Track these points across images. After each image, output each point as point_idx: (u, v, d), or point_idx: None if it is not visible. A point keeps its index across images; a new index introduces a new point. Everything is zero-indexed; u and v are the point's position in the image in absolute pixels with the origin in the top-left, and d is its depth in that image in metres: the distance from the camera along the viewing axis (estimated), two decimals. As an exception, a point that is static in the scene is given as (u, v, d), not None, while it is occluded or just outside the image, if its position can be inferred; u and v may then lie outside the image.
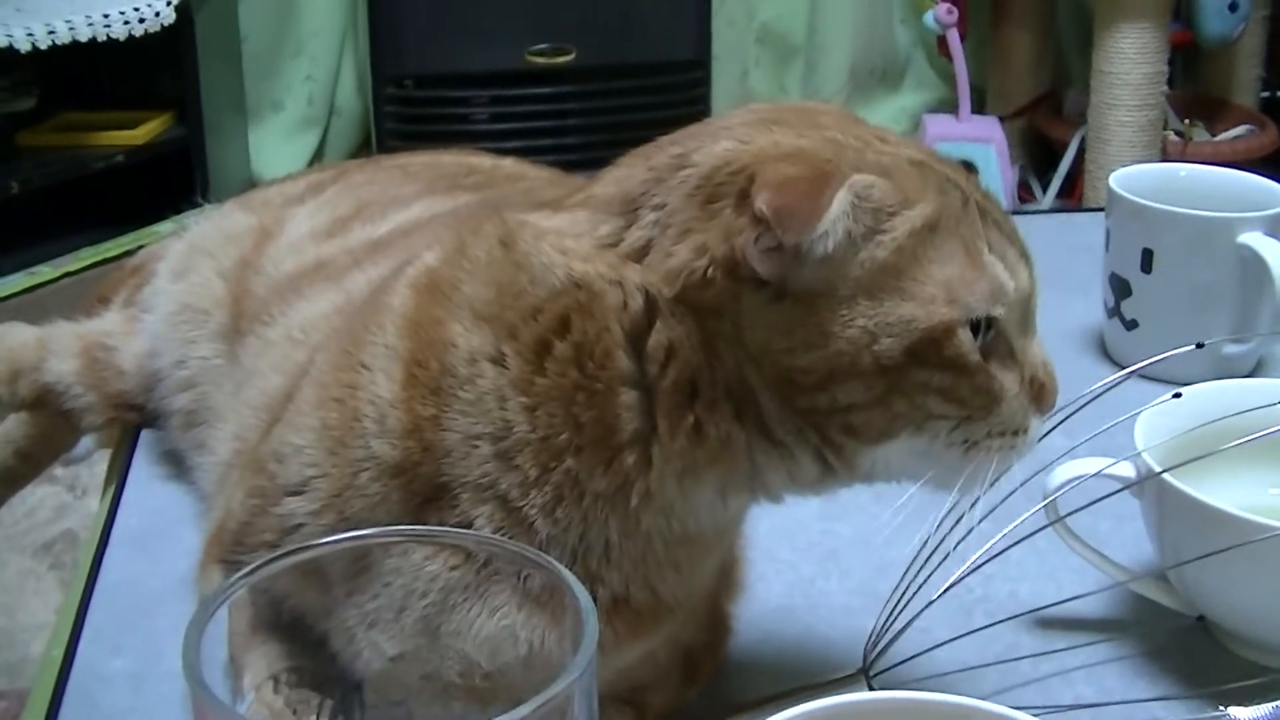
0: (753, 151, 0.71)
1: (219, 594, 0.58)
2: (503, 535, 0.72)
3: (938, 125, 3.64)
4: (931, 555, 0.86)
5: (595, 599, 0.73)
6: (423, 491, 0.74)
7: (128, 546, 1.07)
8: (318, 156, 3.86)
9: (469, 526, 0.73)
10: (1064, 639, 0.92)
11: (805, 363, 0.70)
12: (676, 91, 3.52)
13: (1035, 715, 0.81)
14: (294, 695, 0.72)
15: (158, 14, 3.13)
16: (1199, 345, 1.00)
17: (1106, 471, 0.90)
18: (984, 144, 3.55)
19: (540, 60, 3.42)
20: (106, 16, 3.07)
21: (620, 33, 3.47)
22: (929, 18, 3.57)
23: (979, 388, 0.72)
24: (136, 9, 3.11)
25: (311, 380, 0.81)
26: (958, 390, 0.72)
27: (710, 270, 0.69)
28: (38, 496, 2.60)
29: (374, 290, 0.87)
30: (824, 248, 0.67)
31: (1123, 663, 0.91)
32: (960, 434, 0.73)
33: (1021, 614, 0.93)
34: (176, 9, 3.16)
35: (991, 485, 0.75)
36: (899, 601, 0.86)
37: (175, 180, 3.22)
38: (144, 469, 1.18)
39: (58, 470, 2.56)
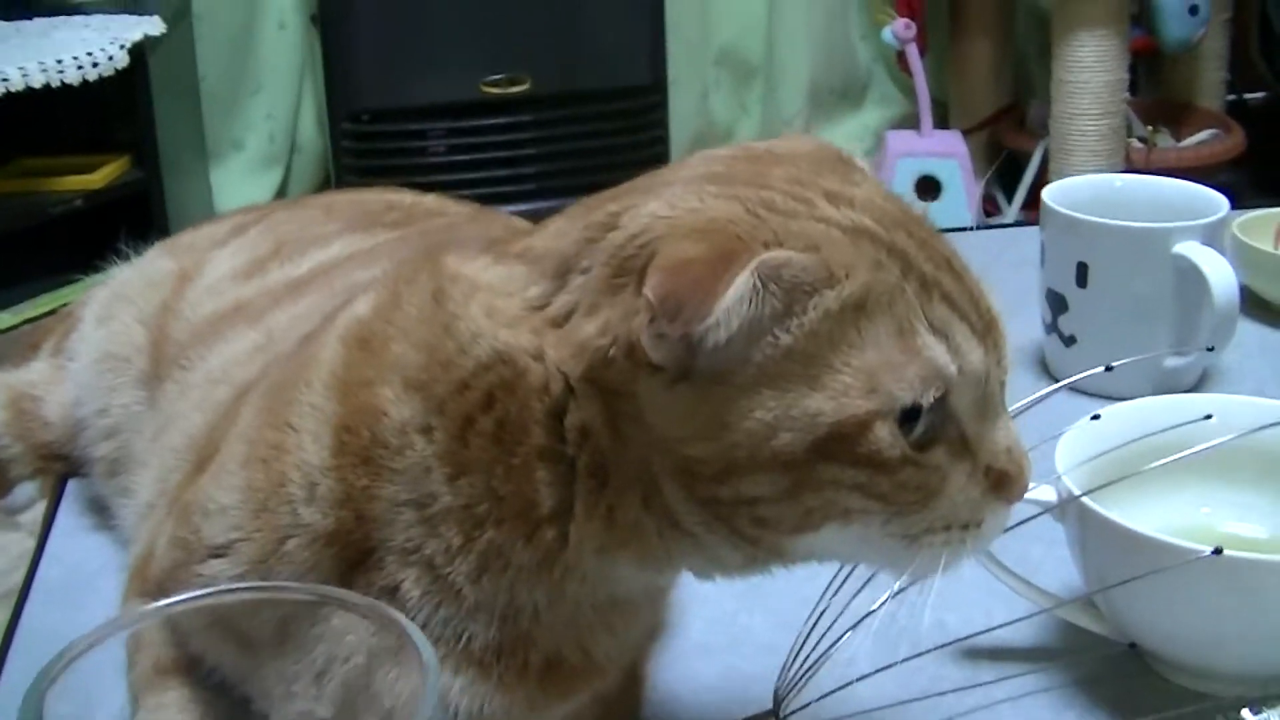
0: (669, 221, 0.66)
1: (65, 654, 0.56)
2: (429, 599, 0.71)
3: (900, 141, 3.62)
4: (843, 585, 0.84)
5: (527, 661, 0.73)
6: (351, 557, 0.72)
7: (48, 597, 1.05)
8: (280, 194, 3.84)
9: (395, 589, 0.71)
10: (992, 670, 0.90)
11: (701, 453, 0.65)
12: (634, 117, 3.51)
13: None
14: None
15: (110, 58, 3.10)
16: (1108, 368, 0.97)
17: (1026, 496, 0.87)
18: (947, 159, 3.54)
19: (495, 90, 3.40)
20: (60, 62, 3.04)
21: (575, 60, 3.45)
22: (887, 33, 3.56)
23: (903, 483, 0.66)
24: (90, 54, 3.09)
25: (238, 434, 0.79)
26: (876, 487, 0.66)
27: (612, 350, 0.65)
28: (-3, 545, 2.58)
29: (303, 339, 0.85)
30: (717, 338, 0.62)
31: (1052, 693, 0.89)
32: (896, 527, 0.68)
33: (947, 644, 0.91)
34: (129, 52, 3.14)
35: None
36: (809, 635, 0.84)
37: (135, 223, 3.19)
38: (69, 519, 1.17)
39: (20, 518, 2.54)
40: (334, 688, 0.70)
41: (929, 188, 3.53)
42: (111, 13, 3.43)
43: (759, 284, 0.62)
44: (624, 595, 0.74)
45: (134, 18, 3.33)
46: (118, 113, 3.30)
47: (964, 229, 1.23)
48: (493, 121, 3.44)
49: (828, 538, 0.68)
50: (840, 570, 0.84)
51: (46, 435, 1.19)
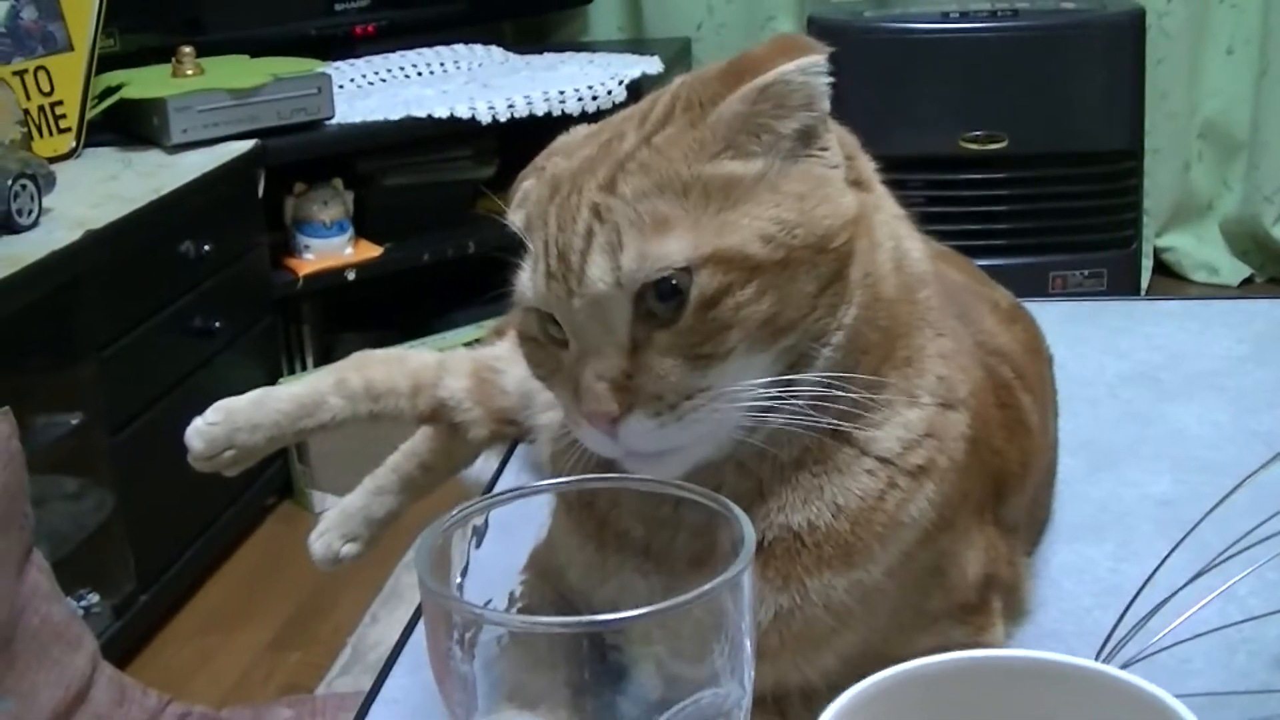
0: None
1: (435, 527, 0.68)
2: None
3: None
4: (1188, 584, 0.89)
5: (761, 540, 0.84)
6: None
7: (492, 533, 1.19)
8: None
9: None
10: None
11: None
12: (1107, 181, 3.52)
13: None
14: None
15: (609, 92, 3.35)
16: None
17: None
18: None
19: (974, 147, 3.48)
20: (562, 94, 3.29)
21: (1052, 122, 3.49)
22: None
23: (531, 356, 0.86)
24: (590, 87, 3.33)
25: None
26: (524, 349, 0.88)
27: None
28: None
29: None
30: None
31: None
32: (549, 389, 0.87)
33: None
34: (628, 87, 3.37)
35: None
36: (1126, 613, 0.89)
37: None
38: (513, 477, 1.31)
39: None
40: None
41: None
42: (615, 51, 3.68)
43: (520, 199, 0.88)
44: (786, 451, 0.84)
45: (635, 57, 3.57)
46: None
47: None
48: (969, 177, 3.52)
49: None
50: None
51: (504, 402, 1.32)
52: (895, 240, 0.88)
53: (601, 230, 0.79)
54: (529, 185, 0.86)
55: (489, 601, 0.73)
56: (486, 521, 0.73)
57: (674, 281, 0.78)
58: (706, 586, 0.61)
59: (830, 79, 0.82)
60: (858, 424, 0.85)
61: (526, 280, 0.82)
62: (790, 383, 0.81)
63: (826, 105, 0.83)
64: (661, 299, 0.78)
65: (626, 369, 0.79)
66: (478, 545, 0.72)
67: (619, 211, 0.79)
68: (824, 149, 0.83)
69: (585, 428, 0.81)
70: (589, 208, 0.80)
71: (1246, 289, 4.04)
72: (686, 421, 0.79)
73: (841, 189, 0.84)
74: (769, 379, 0.80)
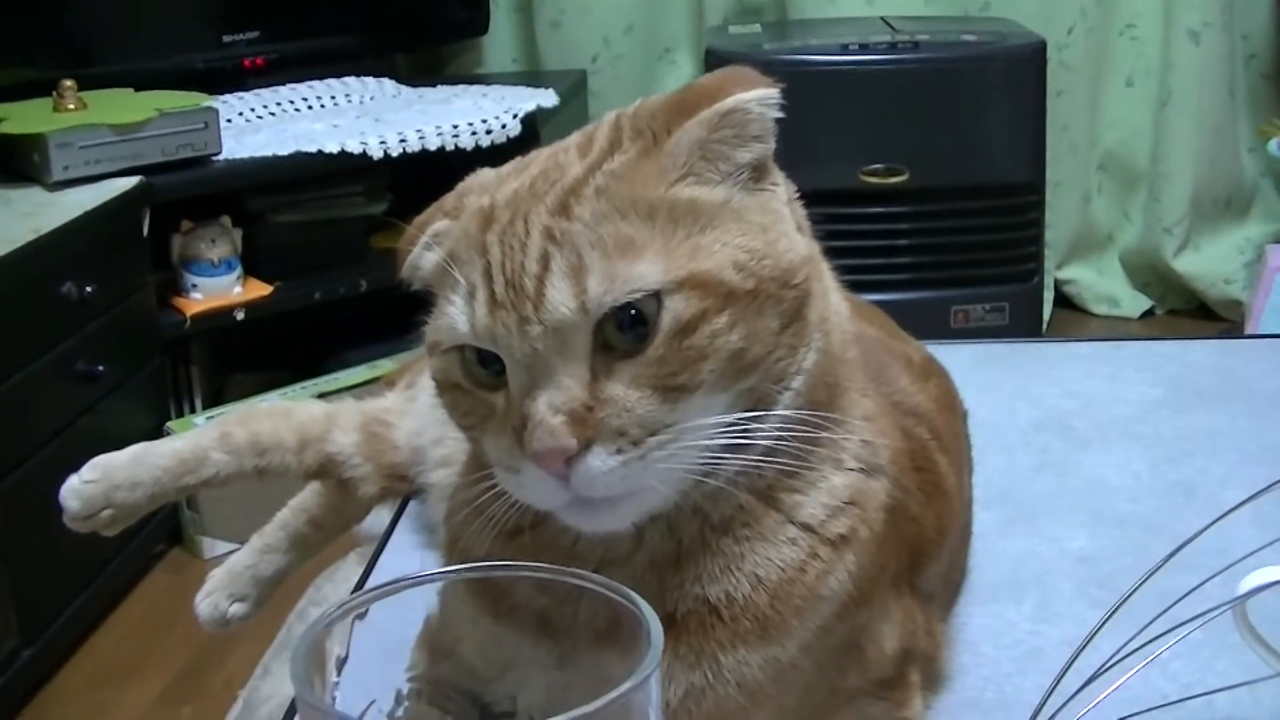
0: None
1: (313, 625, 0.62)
2: None
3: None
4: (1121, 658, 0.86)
5: (674, 614, 0.80)
6: None
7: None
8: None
9: None
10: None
11: None
12: (1008, 215, 3.50)
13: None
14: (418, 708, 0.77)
15: (504, 126, 3.29)
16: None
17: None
18: (1330, 279, 3.43)
19: (874, 180, 3.45)
20: (455, 127, 3.23)
21: (953, 155, 3.46)
22: (1273, 145, 3.49)
23: (456, 404, 0.80)
24: (485, 121, 3.27)
25: None
26: (446, 398, 0.81)
27: None
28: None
29: None
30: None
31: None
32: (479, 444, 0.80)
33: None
34: (522, 121, 3.31)
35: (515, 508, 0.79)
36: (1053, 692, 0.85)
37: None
38: (404, 536, 1.25)
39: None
40: None
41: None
42: (510, 84, 3.63)
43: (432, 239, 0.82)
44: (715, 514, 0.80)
45: (530, 89, 3.52)
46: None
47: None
48: (870, 210, 3.48)
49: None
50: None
51: (394, 457, 1.27)
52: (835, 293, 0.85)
53: (560, 254, 0.74)
54: (443, 225, 0.80)
55: (372, 703, 0.68)
56: (366, 614, 0.67)
57: (638, 309, 0.73)
58: (612, 695, 0.56)
59: (779, 114, 0.80)
60: (790, 485, 0.81)
61: (457, 315, 0.76)
62: (750, 423, 0.76)
63: (773, 142, 0.80)
64: (621, 328, 0.74)
65: (586, 401, 0.73)
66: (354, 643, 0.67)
67: (578, 235, 0.74)
68: (775, 184, 0.80)
69: (529, 473, 0.75)
70: (540, 232, 0.75)
71: (1147, 321, 4.04)
72: (649, 460, 0.74)
73: (794, 227, 0.80)
74: (731, 418, 0.75)
